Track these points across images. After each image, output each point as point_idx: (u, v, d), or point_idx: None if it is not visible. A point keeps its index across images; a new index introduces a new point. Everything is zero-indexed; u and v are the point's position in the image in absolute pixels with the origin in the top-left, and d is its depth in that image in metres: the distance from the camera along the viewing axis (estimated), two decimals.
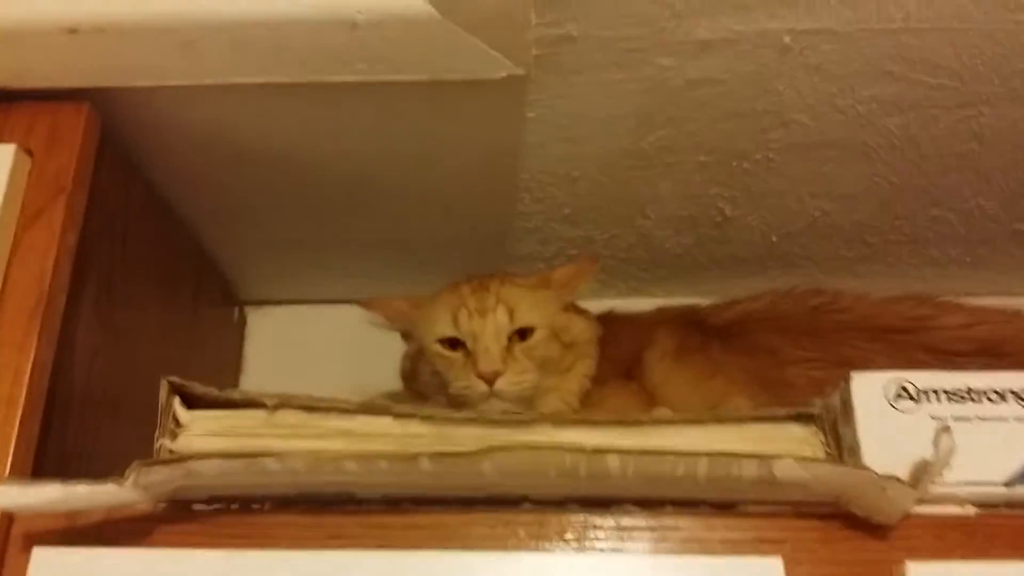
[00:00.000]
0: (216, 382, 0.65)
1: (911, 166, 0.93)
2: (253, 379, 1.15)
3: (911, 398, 0.65)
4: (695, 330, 0.93)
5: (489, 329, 0.82)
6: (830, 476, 0.58)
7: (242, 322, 1.19)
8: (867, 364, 0.83)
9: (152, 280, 0.93)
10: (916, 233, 1.05)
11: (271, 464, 0.58)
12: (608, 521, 0.62)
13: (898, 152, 0.91)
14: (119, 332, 0.84)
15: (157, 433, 0.63)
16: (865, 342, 0.88)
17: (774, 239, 1.06)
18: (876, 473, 0.57)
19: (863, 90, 0.83)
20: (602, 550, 0.61)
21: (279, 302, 1.21)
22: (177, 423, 0.63)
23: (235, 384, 1.13)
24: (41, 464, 0.69)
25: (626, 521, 0.62)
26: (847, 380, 0.65)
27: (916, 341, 0.87)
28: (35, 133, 0.76)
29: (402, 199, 0.99)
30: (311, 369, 1.12)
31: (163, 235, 0.96)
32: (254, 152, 0.91)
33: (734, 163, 0.93)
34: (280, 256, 1.12)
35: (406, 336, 0.92)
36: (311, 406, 0.64)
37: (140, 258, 0.89)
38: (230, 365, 1.13)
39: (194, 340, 1.03)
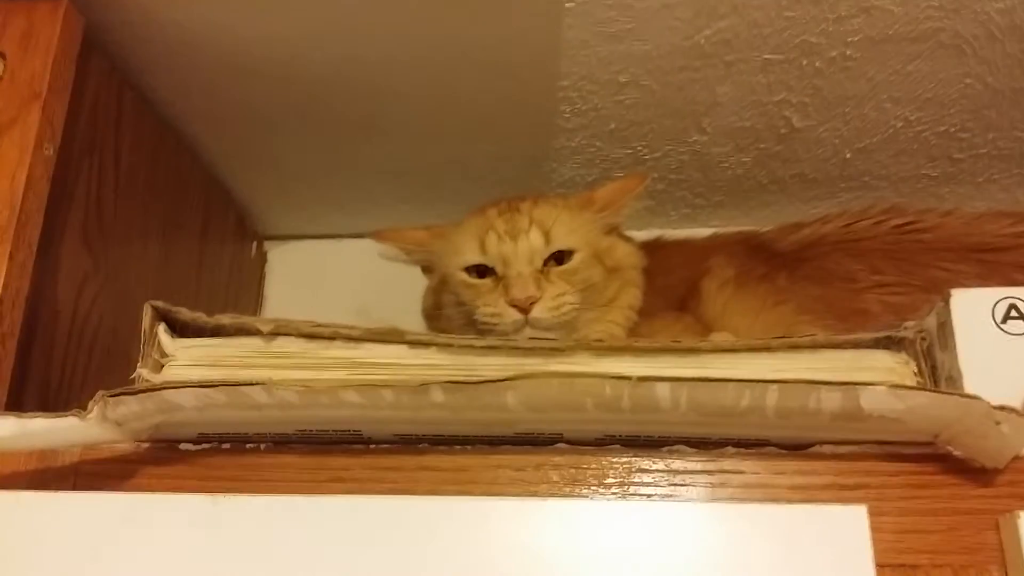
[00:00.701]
0: None
1: (1013, 64, 0.82)
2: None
3: None
4: (758, 256, 0.84)
5: (522, 252, 0.73)
6: (930, 408, 0.48)
7: (261, 258, 1.12)
8: (957, 287, 0.73)
9: (153, 207, 0.86)
10: (1012, 147, 0.94)
11: (258, 395, 0.50)
12: (657, 464, 0.54)
13: (998, 46, 0.80)
14: (114, 260, 0.78)
15: (140, 363, 0.55)
16: (954, 263, 0.78)
17: (847, 155, 0.95)
18: (988, 403, 0.47)
19: None
20: (649, 497, 0.54)
21: (302, 237, 1.15)
22: (162, 353, 0.56)
23: None
24: (20, 401, 0.63)
25: (678, 464, 0.54)
26: (946, 299, 0.56)
27: (1014, 260, 0.77)
28: (7, 34, 0.69)
29: (425, 115, 0.90)
30: (337, 308, 1.03)
31: (164, 155, 0.88)
32: (262, 66, 0.83)
33: (804, 62, 0.82)
34: (298, 186, 1.05)
35: (427, 270, 0.85)
36: (312, 333, 0.56)
37: (137, 181, 0.82)
38: (248, 304, 1.07)
39: (205, 275, 0.96)
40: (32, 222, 0.65)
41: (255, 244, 1.11)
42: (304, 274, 1.13)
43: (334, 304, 1.06)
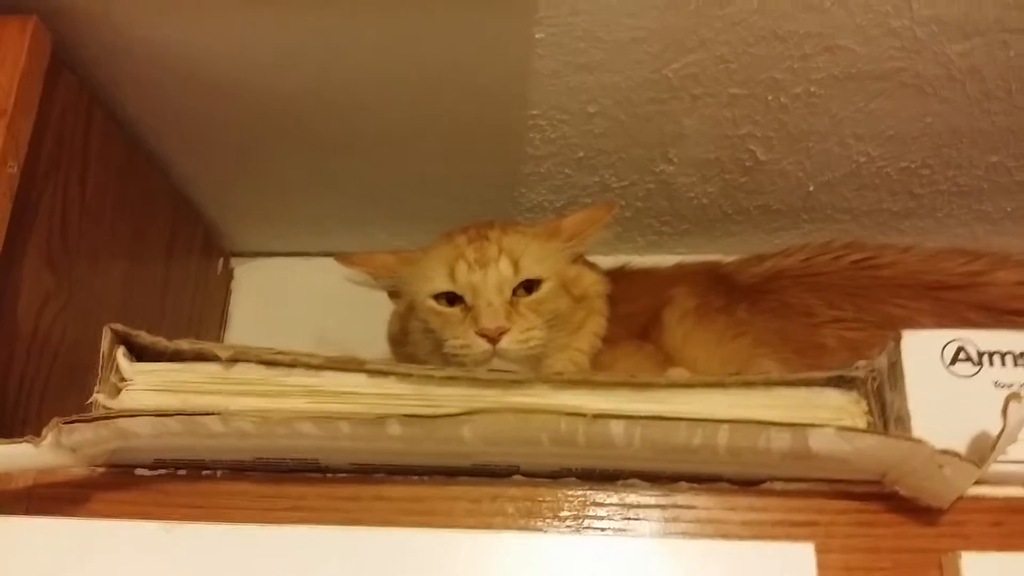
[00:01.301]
0: (197, 339, 0.57)
1: (972, 104, 0.84)
2: (239, 337, 1.08)
3: (972, 361, 0.57)
4: (719, 287, 0.85)
5: (491, 281, 0.73)
6: (877, 450, 0.49)
7: (228, 275, 1.11)
8: (912, 324, 0.74)
9: (120, 224, 0.85)
10: (970, 184, 0.95)
11: (214, 424, 0.50)
12: (612, 498, 0.55)
13: (958, 86, 0.82)
14: (78, 279, 0.77)
15: (96, 388, 0.55)
16: (910, 300, 0.79)
17: (811, 188, 0.97)
18: (931, 447, 0.48)
19: (922, 9, 0.73)
20: (604, 531, 0.54)
21: (269, 254, 1.14)
22: (120, 377, 0.56)
23: (219, 341, 1.06)
24: None
25: (632, 498, 0.55)
26: (896, 339, 0.57)
27: (968, 299, 0.79)
28: None
29: (395, 136, 0.91)
30: (304, 328, 1.05)
31: (133, 174, 0.88)
32: (232, 80, 0.83)
33: (769, 97, 0.83)
34: (268, 203, 1.04)
35: (394, 294, 0.84)
36: (272, 360, 0.56)
37: (105, 199, 0.82)
38: (213, 321, 1.06)
39: (171, 292, 0.95)
40: None
41: (221, 260, 1.10)
42: (271, 291, 1.12)
43: (300, 322, 1.06)
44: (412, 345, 0.79)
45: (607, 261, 0.91)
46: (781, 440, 0.49)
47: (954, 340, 0.57)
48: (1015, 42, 0.76)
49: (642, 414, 0.51)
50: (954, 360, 0.57)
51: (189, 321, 0.99)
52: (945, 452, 0.48)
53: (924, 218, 1.01)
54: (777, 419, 0.50)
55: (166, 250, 0.95)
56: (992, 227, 1.01)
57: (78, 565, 0.51)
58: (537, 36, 0.76)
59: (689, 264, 0.91)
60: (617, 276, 0.86)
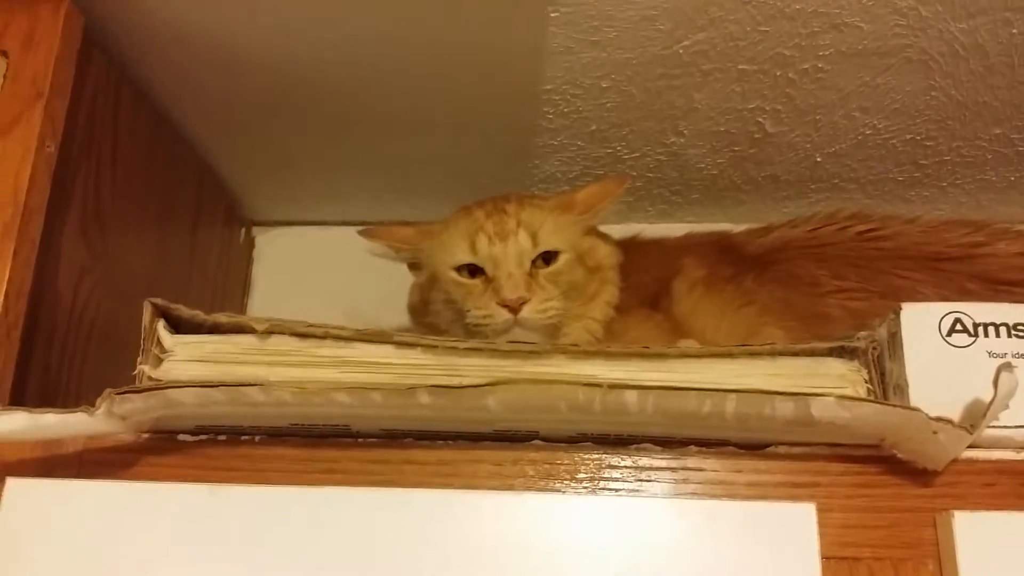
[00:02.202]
0: (221, 306, 0.61)
1: (975, 78, 0.85)
2: (261, 304, 1.11)
3: (967, 332, 0.60)
4: (727, 257, 0.87)
5: (511, 253, 0.76)
6: (874, 417, 0.52)
7: (249, 243, 1.14)
8: (913, 295, 0.78)
9: (148, 198, 0.88)
10: (974, 155, 0.97)
11: (256, 394, 0.54)
12: (625, 461, 0.58)
13: (962, 62, 0.83)
14: (110, 253, 0.80)
15: (140, 359, 0.58)
16: (911, 271, 0.81)
17: (818, 159, 0.98)
18: (927, 415, 0.51)
19: None
20: (618, 491, 0.57)
21: (289, 223, 1.17)
22: (161, 348, 0.59)
23: (242, 309, 1.09)
24: (22, 391, 0.66)
25: (645, 461, 0.58)
26: (896, 311, 0.60)
27: (967, 270, 0.81)
28: (10, 33, 0.71)
29: (411, 109, 0.93)
30: (323, 294, 1.08)
31: (160, 149, 0.90)
32: (254, 59, 0.85)
33: (778, 72, 0.85)
34: (288, 175, 1.06)
35: (413, 266, 0.87)
36: (305, 332, 0.59)
37: (133, 173, 0.84)
38: (236, 289, 1.09)
39: (196, 262, 0.98)
40: (35, 219, 0.67)
41: (243, 230, 1.13)
42: (291, 259, 1.15)
43: (320, 289, 1.09)
44: (433, 315, 0.82)
45: (619, 230, 0.94)
46: (785, 408, 0.52)
47: (951, 312, 0.60)
48: (1017, 20, 0.78)
49: (654, 383, 0.54)
50: (951, 331, 0.59)
51: (214, 289, 1.02)
52: (939, 419, 0.51)
53: (929, 187, 1.02)
54: (782, 388, 0.54)
55: (192, 221, 0.98)
56: (996, 196, 1.03)
57: (127, 525, 0.54)
58: (551, 15, 0.78)
59: (698, 234, 0.93)
60: (628, 246, 0.88)
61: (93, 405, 0.54)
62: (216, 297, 1.02)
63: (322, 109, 0.93)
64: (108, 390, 0.53)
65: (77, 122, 0.74)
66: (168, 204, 0.92)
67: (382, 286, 0.92)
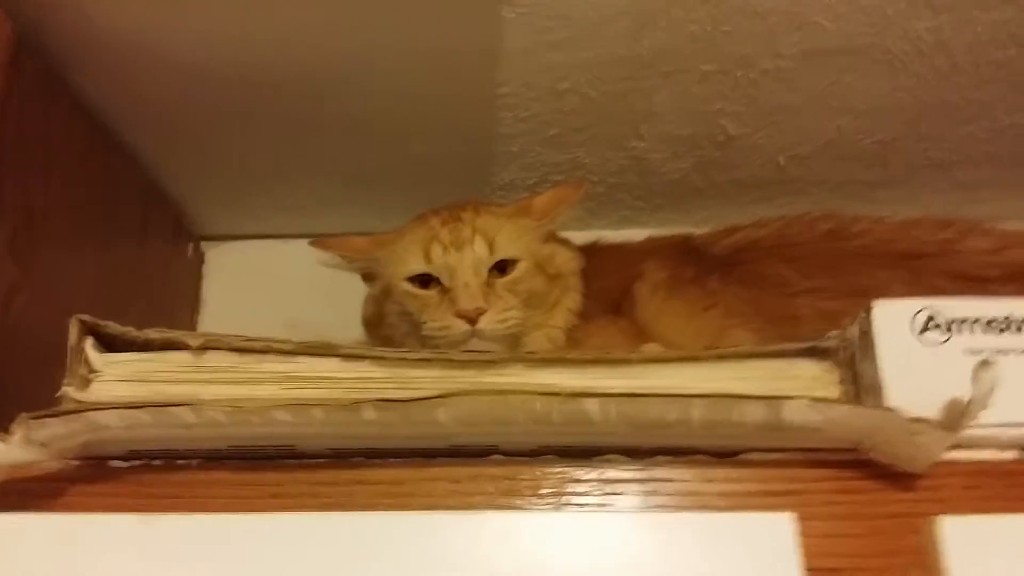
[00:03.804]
0: (169, 326, 0.57)
1: (941, 78, 0.84)
2: (212, 323, 1.07)
3: (942, 329, 0.57)
4: (690, 260, 0.85)
5: (467, 262, 0.73)
6: (849, 420, 0.50)
7: (199, 259, 1.10)
8: (885, 293, 0.74)
9: (87, 211, 0.84)
10: (942, 155, 0.96)
11: (186, 415, 0.50)
12: (591, 473, 0.55)
13: (927, 61, 0.82)
14: (44, 269, 0.76)
15: (65, 380, 0.54)
16: (882, 269, 0.80)
17: (782, 162, 0.97)
18: (904, 415, 0.48)
19: None
20: (584, 507, 0.54)
21: (241, 237, 1.12)
22: (89, 368, 0.55)
23: (192, 328, 1.05)
24: None
25: (611, 473, 0.55)
26: (867, 309, 0.57)
27: (938, 267, 0.79)
28: None
29: (367, 118, 0.90)
30: (278, 312, 1.03)
31: (99, 161, 0.86)
32: (198, 66, 0.82)
33: (740, 73, 0.83)
34: (238, 186, 1.03)
35: (368, 278, 0.84)
36: (243, 347, 0.55)
37: (70, 186, 0.80)
38: (185, 307, 1.05)
39: (142, 279, 0.94)
40: None
41: (192, 245, 1.09)
42: (243, 275, 1.11)
43: (274, 305, 1.05)
44: (388, 328, 0.79)
45: (581, 236, 0.91)
46: (755, 413, 0.49)
47: (924, 309, 0.57)
48: (981, 18, 0.76)
49: (617, 390, 0.51)
50: (924, 328, 0.57)
51: (161, 307, 0.98)
52: (918, 420, 0.49)
53: (898, 188, 1.01)
54: (751, 391, 0.50)
55: (136, 236, 0.93)
56: (966, 195, 1.02)
57: (53, 561, 0.50)
58: (507, 16, 0.76)
59: (660, 238, 0.91)
60: (590, 252, 0.86)
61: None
62: (164, 316, 0.98)
63: (272, 117, 0.90)
64: (23, 414, 0.49)
65: (5, 131, 0.70)
66: (109, 218, 0.88)
67: (341, 301, 0.89)
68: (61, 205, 0.79)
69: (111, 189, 0.89)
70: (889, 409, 0.49)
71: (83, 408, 0.49)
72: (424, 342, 0.73)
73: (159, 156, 0.96)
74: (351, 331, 0.88)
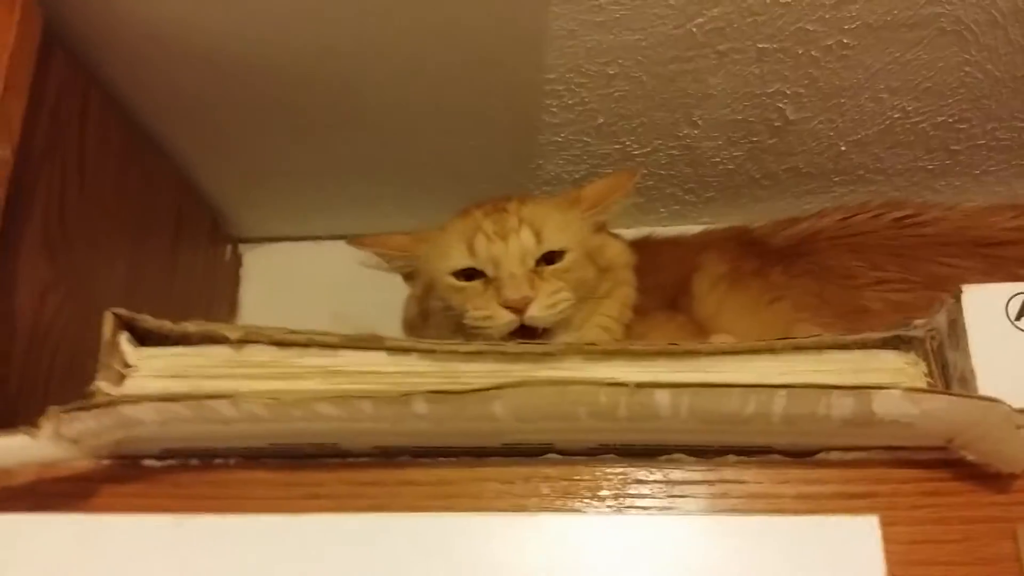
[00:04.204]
0: None
1: (1015, 50, 0.79)
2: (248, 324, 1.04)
3: None
4: (751, 251, 0.82)
5: (513, 252, 0.70)
6: (947, 412, 0.45)
7: (236, 261, 1.08)
8: (960, 283, 0.71)
9: (121, 211, 0.82)
10: (1011, 137, 0.91)
11: (225, 408, 0.47)
12: (654, 474, 0.51)
13: (1000, 32, 0.77)
14: (78, 268, 0.74)
15: (99, 375, 0.51)
16: (958, 258, 0.76)
17: (842, 147, 0.92)
18: (1010, 407, 0.44)
19: None
20: (647, 509, 0.50)
21: (279, 239, 1.10)
22: (124, 363, 0.52)
23: None
24: None
25: (677, 474, 0.51)
26: (956, 295, 0.53)
27: (1018, 255, 0.75)
28: None
29: (404, 109, 0.87)
30: (317, 314, 1.00)
31: (134, 158, 0.84)
32: (230, 57, 0.79)
33: (800, 51, 0.79)
34: (276, 186, 1.01)
35: (409, 277, 0.81)
36: (285, 340, 0.52)
37: (104, 184, 0.78)
38: (223, 310, 1.03)
39: (178, 281, 0.92)
40: None
41: (230, 247, 1.07)
42: (281, 278, 1.09)
43: (313, 308, 1.02)
44: (433, 328, 0.76)
45: (630, 234, 0.87)
46: (843, 405, 0.45)
47: (1019, 293, 0.53)
48: None
49: (688, 381, 0.47)
50: (1019, 315, 0.53)
51: (198, 310, 0.96)
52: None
53: (961, 176, 0.96)
54: (836, 383, 0.46)
55: (172, 237, 0.91)
56: None
57: (84, 563, 0.48)
58: None
59: (716, 230, 0.88)
60: (642, 246, 0.82)
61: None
62: (201, 318, 0.95)
63: (310, 112, 0.87)
64: (53, 407, 0.46)
65: (38, 124, 0.68)
66: (145, 218, 0.86)
67: (381, 302, 0.86)
68: (95, 203, 0.77)
69: (147, 189, 0.87)
70: (992, 399, 0.44)
71: (116, 401, 0.46)
72: (470, 339, 0.69)
73: (196, 155, 0.94)
74: (393, 333, 0.84)
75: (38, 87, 0.68)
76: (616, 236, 0.80)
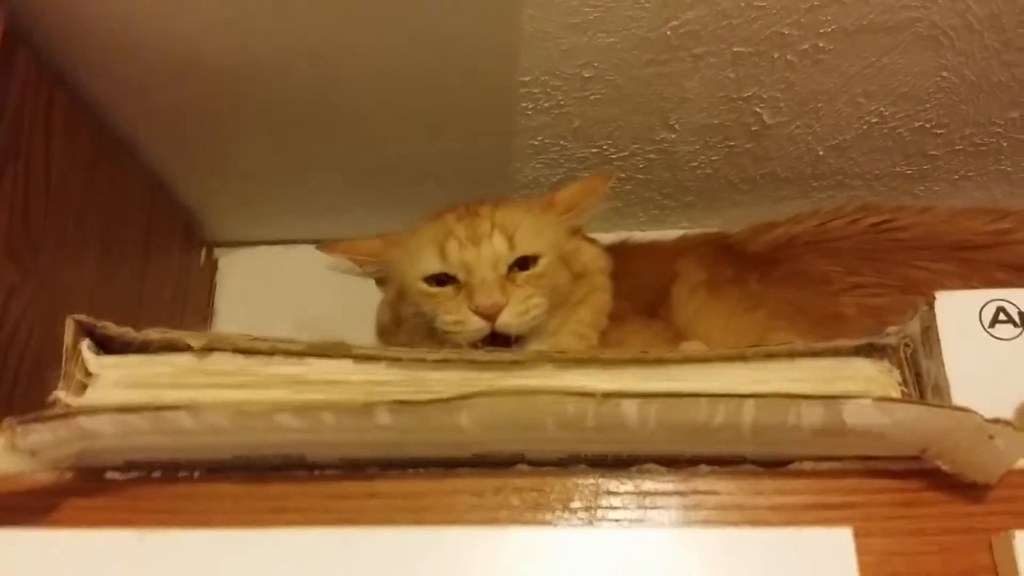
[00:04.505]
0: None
1: (990, 55, 0.79)
2: (225, 330, 1.02)
3: (1013, 323, 0.53)
4: (728, 258, 0.81)
5: (485, 257, 0.70)
6: (919, 422, 0.45)
7: (211, 266, 1.07)
8: (937, 287, 0.71)
9: (90, 213, 0.80)
10: (988, 142, 0.91)
11: (184, 420, 0.45)
12: (626, 485, 0.50)
13: (976, 37, 0.77)
14: (44, 272, 0.73)
15: (60, 384, 0.50)
16: (933, 262, 0.76)
17: (820, 152, 0.92)
18: (982, 417, 0.43)
19: None
20: (619, 522, 0.50)
21: (255, 243, 1.10)
22: (86, 372, 0.51)
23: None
24: None
25: (649, 485, 0.50)
26: (929, 302, 0.52)
27: (995, 259, 0.75)
28: None
29: (380, 113, 0.86)
30: (291, 317, 1.00)
31: (102, 160, 0.83)
32: (201, 59, 0.78)
33: (776, 55, 0.79)
34: (250, 190, 1.00)
35: (381, 282, 0.81)
36: (249, 348, 0.51)
37: (71, 185, 0.77)
38: (198, 315, 1.01)
39: (150, 285, 0.91)
40: None
41: (204, 251, 1.05)
42: (257, 281, 1.08)
43: (289, 312, 1.02)
44: (405, 334, 0.76)
45: (606, 238, 0.87)
46: (813, 415, 0.45)
47: (993, 300, 0.53)
48: None
49: (655, 391, 0.46)
50: (993, 322, 0.53)
51: (171, 314, 0.95)
52: (996, 421, 0.44)
53: (939, 181, 0.97)
54: (805, 392, 0.46)
55: (143, 240, 0.90)
56: (1011, 188, 0.97)
57: None
58: None
59: (694, 236, 0.88)
60: (619, 251, 0.82)
61: None
62: (174, 324, 0.92)
63: (283, 113, 0.86)
64: (8, 419, 0.45)
65: None
66: (115, 221, 0.85)
67: (358, 307, 0.86)
68: (63, 206, 0.76)
69: (118, 192, 0.86)
70: (964, 409, 0.44)
71: (72, 412, 0.45)
72: (442, 344, 0.69)
73: (166, 159, 0.93)
74: (370, 337, 0.84)
75: (1, 93, 0.67)
76: (592, 241, 0.80)
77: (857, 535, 0.46)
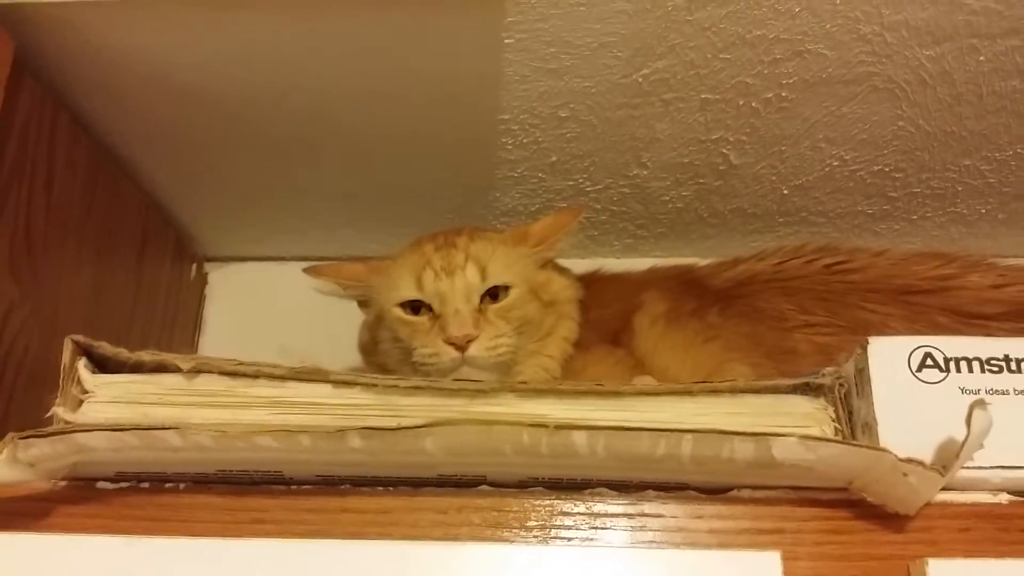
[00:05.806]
0: (170, 348, 0.58)
1: (943, 107, 0.83)
2: (214, 344, 1.06)
3: (939, 367, 0.57)
4: (691, 292, 0.84)
5: (458, 289, 0.73)
6: (841, 458, 0.49)
7: (201, 280, 1.10)
8: (883, 329, 0.76)
9: (87, 231, 0.83)
10: (944, 186, 0.95)
11: (172, 438, 0.50)
12: (579, 507, 0.54)
13: (929, 90, 0.81)
14: (43, 288, 0.76)
15: (57, 400, 0.54)
16: (881, 305, 0.79)
17: (785, 191, 0.96)
18: (896, 456, 0.48)
19: (892, 14, 0.73)
20: (570, 540, 0.54)
21: (244, 259, 1.12)
22: (82, 389, 0.55)
23: (193, 350, 1.04)
24: None
25: (599, 507, 0.55)
26: (863, 346, 0.56)
27: (938, 303, 0.78)
28: None
29: (366, 140, 0.89)
30: (281, 334, 1.03)
31: (100, 180, 0.86)
32: (199, 86, 0.82)
33: (741, 102, 0.83)
34: (242, 208, 1.03)
35: (363, 304, 0.84)
36: (234, 371, 0.55)
37: (71, 204, 0.80)
38: (187, 328, 1.04)
39: (142, 299, 0.94)
40: None
41: (195, 266, 1.09)
42: (246, 297, 1.10)
43: (277, 328, 1.05)
44: (382, 355, 0.79)
45: (583, 264, 0.91)
46: (745, 450, 0.49)
47: (921, 346, 0.57)
48: (984, 47, 0.76)
49: (608, 423, 0.51)
50: (921, 367, 0.57)
51: (162, 328, 0.98)
52: (909, 460, 0.48)
53: (899, 220, 1.00)
54: (744, 427, 0.50)
55: (137, 256, 0.93)
56: (967, 229, 1.01)
57: None
58: (506, 41, 0.76)
59: (661, 268, 0.91)
60: (589, 281, 0.85)
61: None
62: (166, 337, 0.98)
63: (276, 139, 0.90)
64: (11, 434, 0.49)
65: (6, 149, 0.71)
66: (111, 238, 0.88)
67: (344, 325, 0.88)
68: (62, 224, 0.79)
69: (113, 209, 0.89)
70: (880, 448, 0.49)
71: (69, 429, 0.49)
72: (416, 369, 0.72)
73: (161, 178, 0.96)
74: (352, 355, 0.87)
75: (7, 113, 0.70)
76: (563, 270, 0.83)
77: (786, 558, 0.50)
